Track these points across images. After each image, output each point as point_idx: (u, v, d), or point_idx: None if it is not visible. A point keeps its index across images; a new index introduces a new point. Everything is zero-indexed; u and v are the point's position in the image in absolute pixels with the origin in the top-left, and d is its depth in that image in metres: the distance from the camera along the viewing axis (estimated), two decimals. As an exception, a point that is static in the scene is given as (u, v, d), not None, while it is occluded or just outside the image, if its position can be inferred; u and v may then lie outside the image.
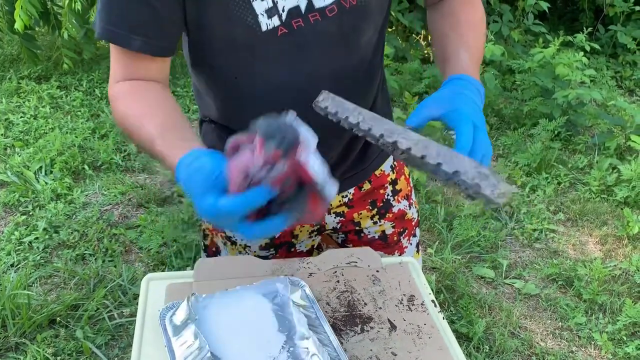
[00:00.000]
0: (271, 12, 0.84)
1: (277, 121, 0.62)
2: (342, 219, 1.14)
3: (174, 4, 0.82)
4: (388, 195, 1.16)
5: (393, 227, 1.18)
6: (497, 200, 0.65)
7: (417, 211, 1.25)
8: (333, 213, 1.13)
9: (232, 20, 0.84)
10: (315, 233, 1.16)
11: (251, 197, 0.62)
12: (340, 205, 1.12)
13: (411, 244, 1.23)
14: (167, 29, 0.85)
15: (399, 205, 1.18)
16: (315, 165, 0.63)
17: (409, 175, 1.22)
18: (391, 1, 1.00)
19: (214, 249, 1.18)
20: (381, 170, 1.14)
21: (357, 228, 1.16)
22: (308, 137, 0.62)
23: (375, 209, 1.15)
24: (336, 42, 0.90)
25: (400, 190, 1.18)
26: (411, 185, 1.23)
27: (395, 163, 1.17)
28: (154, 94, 0.87)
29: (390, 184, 1.16)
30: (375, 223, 1.16)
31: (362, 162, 1.10)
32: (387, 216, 1.17)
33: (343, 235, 1.18)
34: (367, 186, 1.13)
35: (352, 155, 1.07)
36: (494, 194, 0.64)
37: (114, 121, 0.90)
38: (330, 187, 0.64)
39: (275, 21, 0.85)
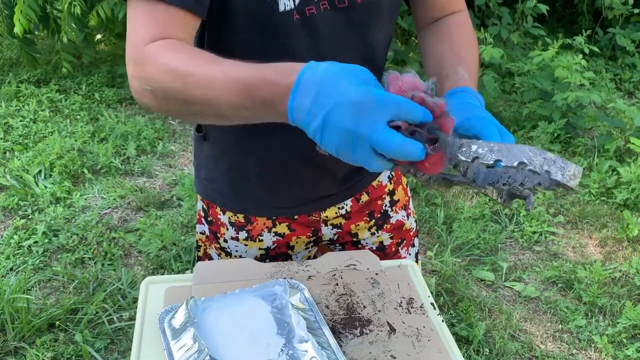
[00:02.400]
0: None
1: None
2: (339, 230, 1.13)
3: None
4: (386, 206, 1.15)
5: (391, 237, 1.17)
6: (570, 184, 0.59)
7: (416, 221, 1.24)
8: (330, 225, 1.11)
9: None
10: (312, 244, 1.15)
11: (416, 107, 0.61)
12: (337, 217, 1.11)
13: (410, 255, 1.22)
14: None
15: (397, 215, 1.17)
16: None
17: (406, 185, 1.21)
18: (399, 6, 0.99)
19: (206, 260, 1.17)
20: (378, 181, 1.13)
21: (355, 239, 1.15)
22: None
23: (373, 220, 1.14)
24: (348, 35, 0.90)
25: (398, 200, 1.17)
26: (409, 195, 1.21)
27: (392, 173, 1.15)
28: (207, 52, 0.75)
29: (387, 195, 1.15)
30: (372, 234, 1.15)
31: (360, 173, 1.09)
32: (385, 227, 1.16)
33: (340, 247, 1.17)
34: (364, 198, 1.11)
35: (349, 165, 1.07)
36: (566, 177, 0.59)
37: (146, 84, 0.73)
38: (454, 155, 0.64)
39: (291, 3, 0.83)
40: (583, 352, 2.12)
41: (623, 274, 2.47)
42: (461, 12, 1.02)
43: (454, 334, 2.11)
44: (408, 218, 1.20)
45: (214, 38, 0.90)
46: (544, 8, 4.16)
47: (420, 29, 1.04)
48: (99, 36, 4.49)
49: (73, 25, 3.47)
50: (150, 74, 0.73)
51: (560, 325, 2.23)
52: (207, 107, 0.71)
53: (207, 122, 0.82)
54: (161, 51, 0.74)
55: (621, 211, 2.85)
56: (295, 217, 1.08)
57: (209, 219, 1.12)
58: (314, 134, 0.62)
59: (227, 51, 0.81)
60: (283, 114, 0.64)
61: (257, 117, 0.69)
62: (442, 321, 0.93)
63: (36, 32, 4.11)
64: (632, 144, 3.09)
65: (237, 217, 1.08)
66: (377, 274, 1.01)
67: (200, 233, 1.16)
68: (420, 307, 0.95)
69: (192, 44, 0.81)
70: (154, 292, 0.96)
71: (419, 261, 1.28)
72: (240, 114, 0.69)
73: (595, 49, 4.06)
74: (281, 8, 0.83)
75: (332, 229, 1.12)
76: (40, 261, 2.37)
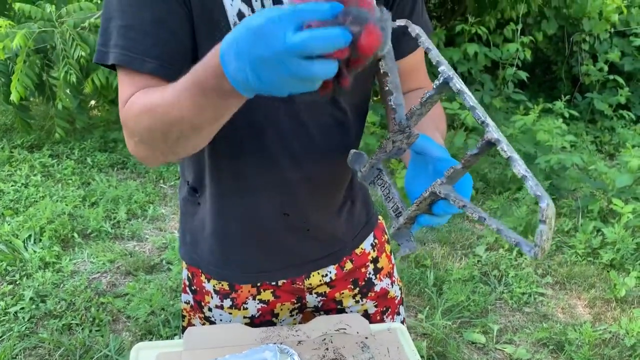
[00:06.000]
0: None
1: None
2: (323, 298, 1.13)
3: (188, 32, 0.84)
4: (370, 273, 1.15)
5: (375, 306, 1.17)
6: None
7: (401, 289, 1.24)
8: (314, 293, 1.12)
9: None
10: (297, 311, 1.15)
11: (317, 4, 0.58)
12: (321, 284, 1.11)
13: (395, 323, 1.23)
14: (181, 54, 0.84)
15: (381, 283, 1.17)
16: None
17: (390, 252, 1.22)
18: (373, 75, 1.02)
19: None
20: (362, 248, 1.14)
21: (339, 307, 1.15)
22: None
23: (357, 288, 1.14)
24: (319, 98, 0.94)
25: (382, 268, 1.17)
26: (393, 262, 1.22)
27: (376, 241, 1.17)
28: (166, 85, 0.80)
29: (371, 262, 1.16)
30: (357, 302, 1.15)
31: (343, 239, 1.11)
32: (369, 295, 1.16)
33: (324, 314, 1.16)
34: (348, 265, 1.12)
35: (331, 228, 1.08)
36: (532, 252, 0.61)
37: (134, 137, 0.83)
38: (385, 22, 0.60)
39: None
40: (577, 416, 2.09)
41: (613, 335, 2.47)
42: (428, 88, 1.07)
43: (447, 399, 2.08)
44: (392, 286, 1.20)
45: None
46: (524, 75, 4.35)
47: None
48: (92, 102, 4.59)
49: (68, 92, 3.56)
50: (132, 125, 0.81)
51: (553, 389, 2.20)
52: (181, 125, 0.75)
53: (192, 144, 0.82)
54: (134, 101, 0.81)
55: (608, 271, 2.88)
56: (280, 283, 1.08)
57: (193, 287, 1.12)
58: (259, 86, 0.61)
59: None
60: (232, 90, 0.65)
61: (219, 109, 0.71)
62: (431, 385, 0.93)
63: (31, 99, 4.20)
64: (615, 205, 3.16)
65: (222, 285, 1.08)
66: (367, 337, 1.02)
67: (185, 302, 1.15)
68: (409, 370, 0.96)
69: None
70: (144, 358, 0.96)
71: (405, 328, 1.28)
72: (207, 115, 0.72)
73: (575, 113, 4.21)
74: None
75: (316, 297, 1.12)
76: (26, 328, 2.33)
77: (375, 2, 0.62)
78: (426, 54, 0.66)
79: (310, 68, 0.58)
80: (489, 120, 0.62)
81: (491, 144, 0.62)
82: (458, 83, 0.63)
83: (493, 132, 0.61)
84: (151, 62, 0.82)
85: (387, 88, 0.71)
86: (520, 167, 0.59)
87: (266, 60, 0.58)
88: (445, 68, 0.64)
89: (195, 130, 0.75)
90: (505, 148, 0.60)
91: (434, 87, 0.67)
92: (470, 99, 0.62)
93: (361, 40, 0.59)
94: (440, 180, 0.67)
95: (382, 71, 0.70)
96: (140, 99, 0.80)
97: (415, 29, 0.65)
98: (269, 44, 0.58)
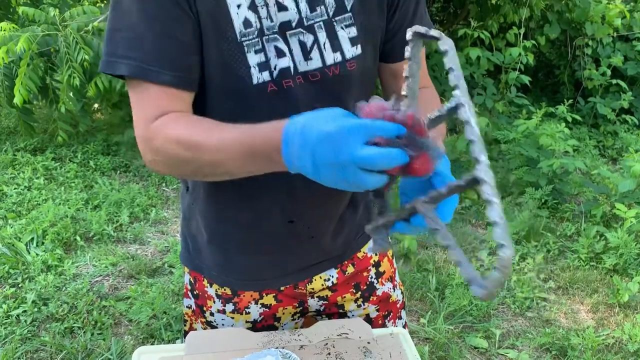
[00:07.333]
0: (263, 66, 0.87)
1: None
2: (325, 302, 1.13)
3: (197, 41, 0.85)
4: (371, 277, 1.15)
5: (377, 310, 1.18)
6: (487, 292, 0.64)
7: (402, 293, 1.24)
8: (316, 297, 1.12)
9: (226, 68, 0.86)
10: (298, 315, 1.15)
11: (386, 124, 0.65)
12: (323, 289, 1.11)
13: (397, 327, 1.23)
14: (194, 62, 0.86)
15: (383, 287, 1.17)
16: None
17: (392, 256, 1.21)
18: (374, 78, 1.03)
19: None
20: (364, 252, 1.14)
21: (341, 311, 1.15)
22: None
23: (359, 292, 1.15)
24: (322, 106, 0.94)
25: (384, 272, 1.18)
26: (395, 266, 1.22)
27: None
28: (206, 120, 0.85)
29: (373, 266, 1.16)
30: (359, 306, 1.16)
31: (345, 243, 1.11)
32: (371, 299, 1.16)
33: (327, 318, 1.17)
34: (350, 269, 1.13)
35: (339, 233, 1.08)
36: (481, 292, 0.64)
37: (157, 156, 0.85)
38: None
39: (266, 76, 0.88)
40: (580, 422, 2.08)
41: (616, 341, 2.46)
42: (430, 88, 1.06)
43: (449, 404, 2.07)
44: (394, 290, 1.20)
45: (195, 108, 0.92)
46: (526, 79, 4.34)
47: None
48: (95, 105, 4.60)
49: (71, 95, 3.56)
50: (158, 147, 0.84)
51: (555, 394, 2.20)
52: (216, 169, 0.81)
53: (213, 180, 0.89)
54: (166, 126, 0.83)
55: (611, 276, 2.87)
56: (282, 288, 1.08)
57: (195, 292, 1.12)
58: (313, 177, 0.67)
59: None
60: (282, 164, 0.71)
61: (261, 169, 0.78)
62: (433, 390, 0.93)
63: (35, 102, 4.20)
64: (618, 209, 3.15)
65: (224, 290, 1.08)
66: (369, 342, 1.02)
67: (187, 307, 1.15)
68: (411, 376, 0.95)
69: (190, 112, 0.88)
70: (146, 362, 0.96)
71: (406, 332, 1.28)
72: (245, 169, 0.79)
73: (578, 117, 4.21)
74: (254, 81, 0.88)
75: (318, 301, 1.12)
76: (28, 331, 2.33)
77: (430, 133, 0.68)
78: (447, 73, 0.67)
79: (366, 179, 0.64)
80: (482, 158, 0.63)
81: (477, 181, 0.63)
82: (466, 113, 0.64)
83: (481, 171, 0.62)
84: (166, 74, 0.83)
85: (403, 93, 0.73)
86: (494, 213, 0.60)
87: (330, 163, 0.64)
88: (459, 93, 0.65)
89: (227, 174, 0.82)
90: (487, 191, 0.61)
91: (446, 109, 0.67)
92: (472, 132, 0.63)
93: (415, 164, 0.65)
94: (424, 199, 0.68)
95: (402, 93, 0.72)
96: (175, 126, 0.83)
97: (446, 44, 0.67)
98: (338, 150, 0.64)
